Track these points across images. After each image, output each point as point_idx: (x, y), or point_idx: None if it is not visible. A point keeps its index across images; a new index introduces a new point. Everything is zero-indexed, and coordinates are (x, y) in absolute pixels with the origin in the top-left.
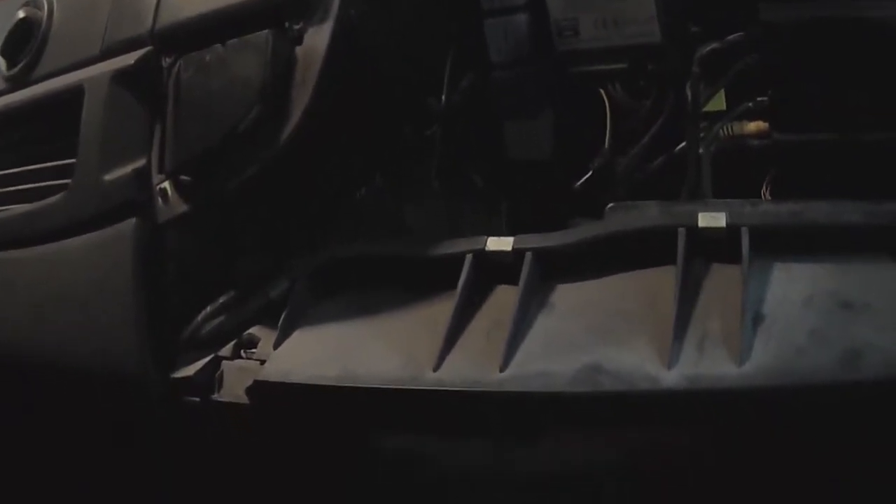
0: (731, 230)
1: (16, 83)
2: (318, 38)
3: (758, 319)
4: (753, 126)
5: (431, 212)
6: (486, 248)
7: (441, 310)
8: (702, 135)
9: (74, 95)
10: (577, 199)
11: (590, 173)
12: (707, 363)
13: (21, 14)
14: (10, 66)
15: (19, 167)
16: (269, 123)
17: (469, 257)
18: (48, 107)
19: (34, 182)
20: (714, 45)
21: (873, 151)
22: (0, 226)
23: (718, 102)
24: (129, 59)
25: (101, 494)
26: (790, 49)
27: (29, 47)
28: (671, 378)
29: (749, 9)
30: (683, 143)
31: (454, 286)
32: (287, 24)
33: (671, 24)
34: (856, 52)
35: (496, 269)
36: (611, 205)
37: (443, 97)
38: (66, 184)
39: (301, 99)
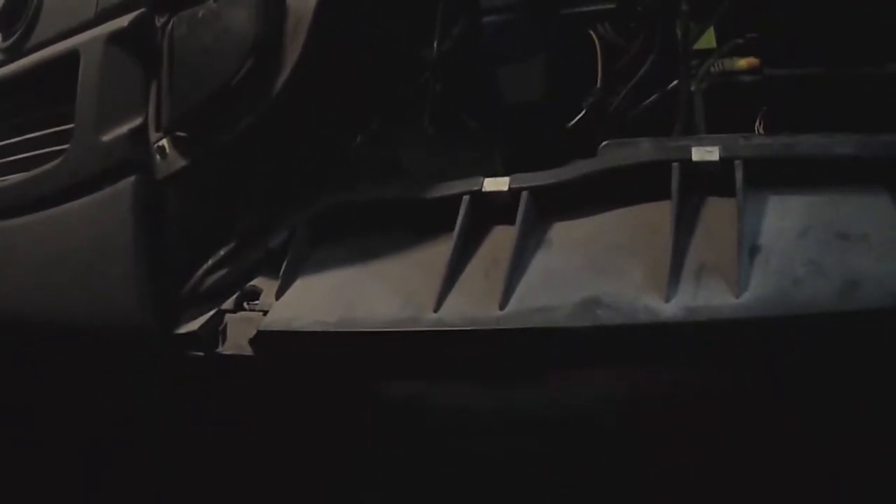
0: (725, 163)
1: (12, 54)
2: None
3: (754, 251)
4: (744, 62)
5: (427, 157)
6: (483, 189)
7: (439, 251)
8: (693, 72)
9: (70, 61)
10: (571, 139)
11: (583, 112)
12: (705, 295)
13: None
14: (5, 37)
15: (19, 137)
16: (263, 75)
17: (466, 198)
18: (45, 74)
19: (34, 150)
20: None
21: (864, 84)
22: (15, 191)
23: (709, 39)
24: (124, 21)
25: (107, 454)
26: None
27: (24, 17)
28: (669, 310)
29: None
30: (675, 81)
31: (452, 227)
32: None
33: None
34: None
35: (493, 209)
36: (605, 142)
37: (435, 44)
38: (64, 149)
39: (293, 50)
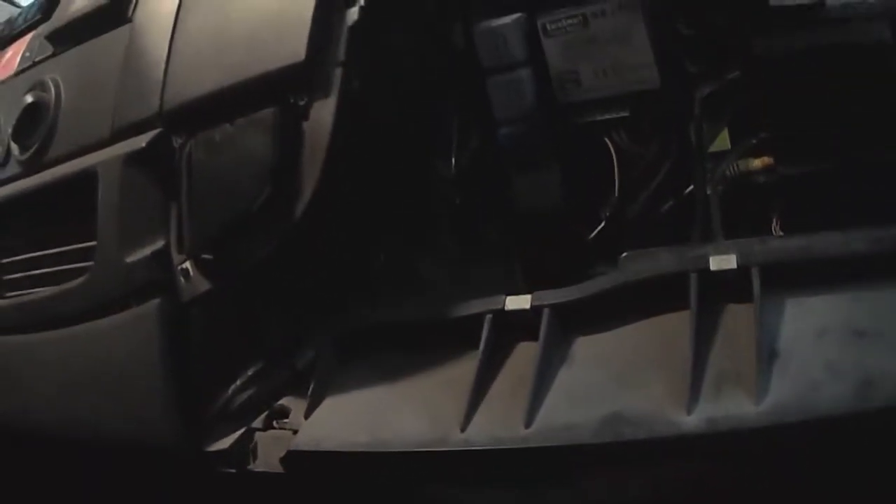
0: (742, 270)
1: (28, 167)
2: (323, 112)
3: (773, 356)
4: (759, 162)
5: (449, 271)
6: (506, 308)
7: (464, 370)
8: (709, 175)
9: (88, 179)
10: (591, 249)
11: (602, 224)
12: (725, 404)
13: (29, 99)
14: (22, 150)
15: (37, 250)
16: (283, 199)
17: (489, 317)
18: (62, 191)
19: (55, 265)
20: (713, 85)
21: (880, 174)
22: (26, 308)
23: (723, 142)
24: (140, 141)
25: None
26: (786, 80)
27: (39, 132)
28: (691, 422)
29: (743, 45)
30: (692, 186)
31: (475, 345)
32: (292, 100)
33: (669, 68)
34: (850, 76)
35: (516, 327)
36: (624, 254)
37: (452, 159)
38: (87, 266)
39: (312, 173)
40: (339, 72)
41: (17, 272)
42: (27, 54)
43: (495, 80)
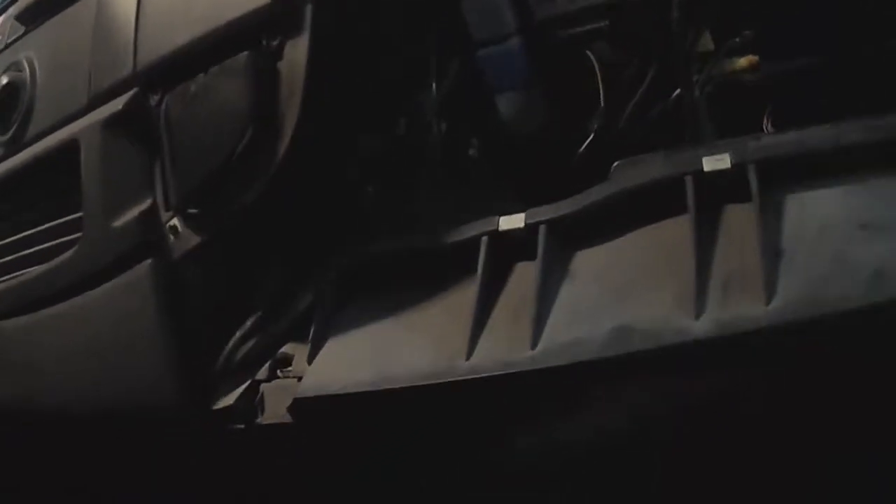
0: (738, 169)
1: (9, 149)
2: (297, 51)
3: (778, 254)
4: (744, 61)
5: (440, 199)
6: (500, 228)
7: (464, 296)
8: (695, 78)
9: (70, 149)
10: (583, 164)
11: (591, 136)
12: (734, 307)
13: (4, 80)
14: (2, 132)
15: (28, 230)
16: (264, 143)
17: (484, 239)
18: (46, 165)
19: (46, 242)
20: None
21: (867, 66)
22: (19, 290)
23: (705, 43)
24: (118, 104)
25: None
26: None
27: (17, 111)
28: (700, 327)
29: None
30: (678, 90)
31: (474, 270)
32: (264, 42)
33: None
34: None
35: (512, 247)
36: (616, 163)
37: (433, 86)
38: (76, 238)
39: (291, 113)
40: (309, 8)
41: (7, 255)
42: (0, 38)
43: (470, 1)
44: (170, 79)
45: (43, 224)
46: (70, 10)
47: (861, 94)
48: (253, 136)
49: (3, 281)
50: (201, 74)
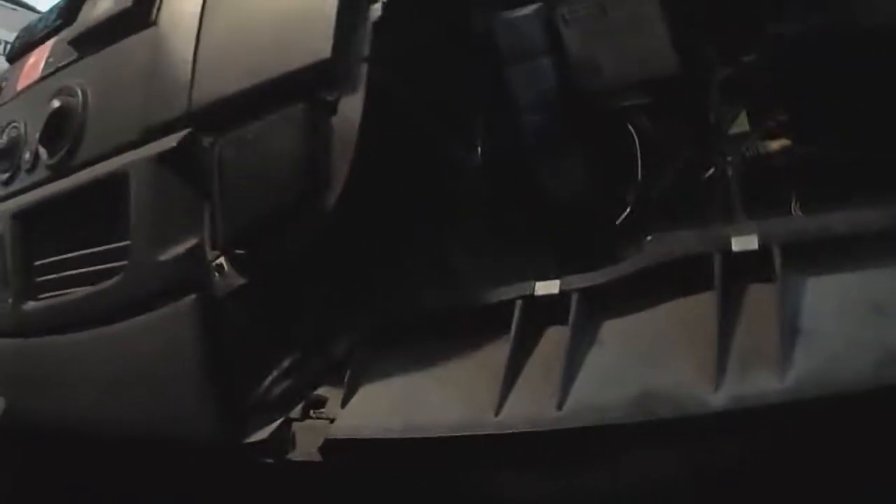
0: (764, 249)
1: (58, 171)
2: (351, 107)
3: (795, 333)
4: (777, 144)
5: (479, 258)
6: (535, 293)
7: (496, 354)
8: (728, 157)
9: (119, 180)
10: (617, 231)
11: (628, 210)
12: (751, 381)
13: (56, 104)
14: (50, 155)
15: (70, 252)
16: (315, 193)
17: (519, 303)
18: (93, 193)
19: (89, 265)
20: (730, 68)
21: (892, 155)
22: (61, 309)
23: (741, 124)
24: (171, 141)
25: None
26: (800, 62)
27: (67, 136)
28: (719, 399)
29: (759, 28)
30: (712, 169)
31: (506, 330)
32: (320, 96)
33: (687, 53)
34: (862, 57)
35: (545, 311)
36: (649, 237)
37: (478, 148)
38: (121, 266)
39: (342, 166)
40: (364, 67)
41: (50, 274)
42: (51, 60)
43: (516, 69)
44: (224, 122)
45: (86, 247)
46: (126, 42)
47: (885, 182)
48: (304, 186)
49: (45, 298)
50: (257, 121)
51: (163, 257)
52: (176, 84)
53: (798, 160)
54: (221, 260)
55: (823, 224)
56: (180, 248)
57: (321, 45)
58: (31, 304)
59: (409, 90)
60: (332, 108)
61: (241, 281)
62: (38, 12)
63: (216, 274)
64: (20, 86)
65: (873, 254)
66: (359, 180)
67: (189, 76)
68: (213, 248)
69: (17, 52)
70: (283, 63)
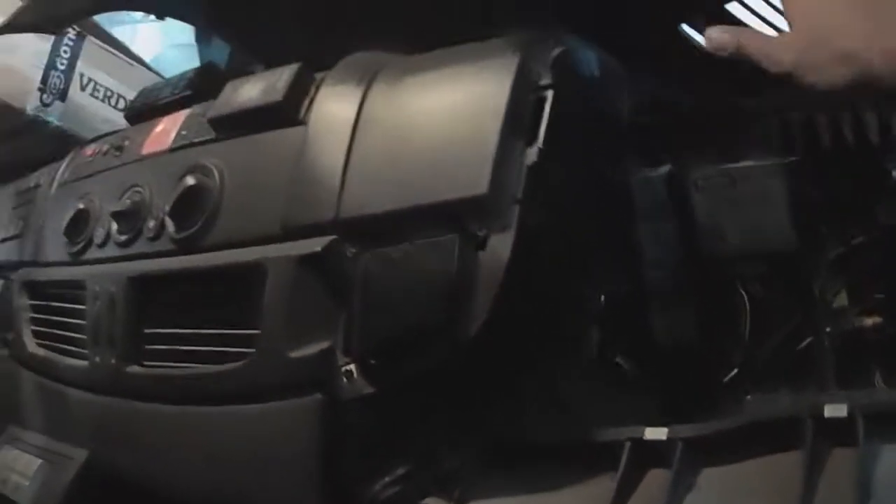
0: (851, 419)
1: (185, 247)
2: (501, 246)
3: (866, 498)
4: (870, 321)
5: (588, 395)
6: (645, 437)
7: (601, 488)
8: (827, 329)
9: (256, 271)
10: (721, 386)
11: (735, 371)
12: None
13: (191, 181)
14: (178, 230)
15: (186, 327)
16: (455, 322)
17: (628, 444)
18: (227, 276)
19: (207, 344)
20: (841, 248)
21: None
22: (175, 381)
23: (841, 299)
24: (314, 244)
25: None
26: None
27: (199, 215)
28: None
29: (871, 215)
30: (810, 338)
31: (612, 467)
32: (471, 229)
33: (805, 231)
34: None
35: (651, 454)
36: (749, 396)
37: (602, 295)
38: (248, 353)
39: (486, 301)
40: (516, 208)
41: (160, 343)
42: (184, 132)
43: (647, 226)
44: (370, 237)
45: (205, 325)
46: (271, 135)
47: None
48: (446, 314)
49: (152, 366)
50: (407, 244)
51: (293, 354)
52: (323, 189)
53: (887, 337)
54: (352, 367)
55: None
56: (312, 349)
57: (478, 181)
58: (136, 369)
59: (553, 233)
60: (482, 244)
61: (369, 389)
62: (153, 70)
63: (344, 378)
64: (146, 150)
65: None
66: (499, 315)
67: (338, 184)
68: (346, 353)
69: (140, 114)
70: (438, 191)
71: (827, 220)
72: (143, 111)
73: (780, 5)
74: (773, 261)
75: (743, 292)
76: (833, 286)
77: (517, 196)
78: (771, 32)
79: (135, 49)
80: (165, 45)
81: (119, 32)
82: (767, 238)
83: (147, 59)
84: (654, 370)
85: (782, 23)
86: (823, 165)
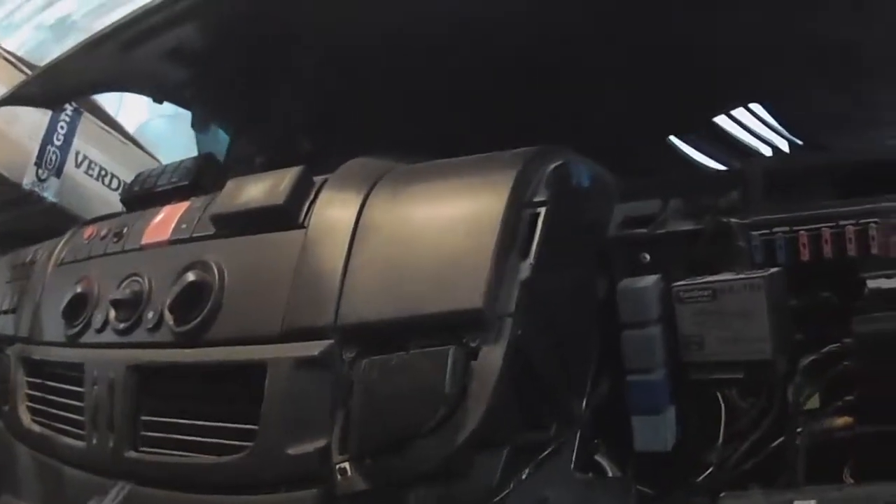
0: None
1: (186, 340)
2: (492, 357)
3: None
4: (841, 421)
5: (571, 497)
6: None
7: None
8: (798, 430)
9: (256, 370)
10: (694, 486)
11: (710, 469)
12: None
13: (191, 277)
14: (178, 323)
15: (184, 418)
16: (448, 428)
17: None
18: (226, 372)
19: (203, 435)
20: (814, 355)
21: None
22: (183, 469)
23: (813, 402)
24: (313, 348)
25: None
26: (876, 357)
27: (199, 311)
28: None
29: (844, 323)
30: (782, 438)
31: None
32: (465, 340)
33: (780, 341)
34: None
35: None
36: (723, 494)
37: (584, 400)
38: (246, 445)
39: (477, 409)
40: (509, 321)
41: (157, 431)
42: (183, 225)
43: (630, 333)
44: (367, 343)
45: (202, 418)
46: (272, 237)
47: None
48: (439, 420)
49: (149, 452)
50: (403, 352)
51: (291, 451)
52: (323, 293)
53: (857, 436)
54: (347, 465)
55: (871, 493)
56: (310, 447)
57: (473, 295)
58: (133, 454)
59: (542, 346)
60: (474, 354)
61: (363, 486)
62: (146, 151)
63: (339, 475)
64: (146, 240)
65: None
66: (489, 421)
67: (337, 289)
68: (341, 452)
69: (137, 200)
70: (434, 303)
71: (804, 328)
72: (141, 197)
73: (765, 117)
74: (750, 368)
75: (719, 396)
76: (806, 390)
77: (510, 309)
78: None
79: (122, 116)
80: (152, 113)
81: (106, 99)
82: (744, 347)
83: (133, 126)
84: (632, 469)
85: (766, 133)
86: (803, 277)
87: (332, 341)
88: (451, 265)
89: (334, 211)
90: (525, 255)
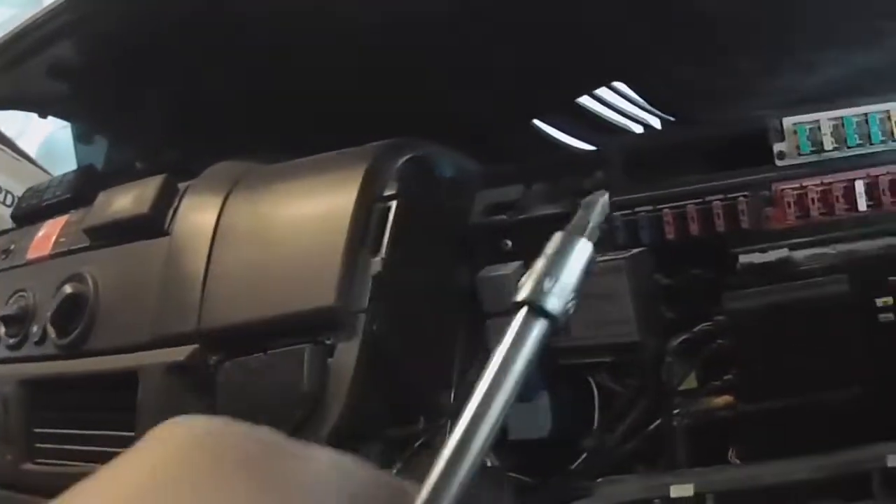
0: (699, 497)
1: (66, 352)
2: (347, 353)
3: None
4: (721, 400)
5: None
6: None
7: None
8: (676, 411)
9: (129, 378)
10: (570, 473)
11: (584, 455)
12: None
13: (69, 289)
14: (60, 335)
15: (71, 428)
16: (309, 425)
17: None
18: (103, 381)
19: (89, 445)
20: (685, 335)
21: (824, 411)
22: (65, 479)
23: (690, 381)
24: (180, 353)
25: None
26: (750, 332)
27: (78, 322)
28: None
29: (714, 299)
30: (659, 420)
31: None
32: (320, 338)
33: (649, 322)
34: (803, 328)
35: None
36: (600, 479)
37: (452, 392)
38: None
39: (336, 405)
40: (362, 317)
41: (49, 443)
42: (62, 239)
43: (494, 322)
44: (229, 346)
45: (88, 427)
46: (139, 245)
47: (817, 435)
48: (301, 418)
49: (44, 464)
50: (262, 354)
51: None
52: (186, 299)
53: (739, 415)
54: None
55: (754, 473)
56: None
57: (326, 293)
58: (29, 466)
59: (399, 339)
60: (330, 351)
61: None
62: (39, 166)
63: None
64: (30, 255)
65: (799, 501)
66: (350, 417)
67: (199, 294)
68: None
69: (25, 216)
70: (290, 303)
71: (673, 305)
72: (28, 213)
73: (632, 95)
74: (618, 351)
75: (591, 381)
76: (680, 370)
77: (363, 305)
78: (626, 122)
79: (28, 130)
80: (55, 125)
81: (10, 115)
82: (609, 330)
83: (38, 140)
84: (509, 458)
85: (636, 112)
86: (675, 255)
87: (196, 346)
88: (305, 264)
89: (196, 216)
90: (377, 250)
